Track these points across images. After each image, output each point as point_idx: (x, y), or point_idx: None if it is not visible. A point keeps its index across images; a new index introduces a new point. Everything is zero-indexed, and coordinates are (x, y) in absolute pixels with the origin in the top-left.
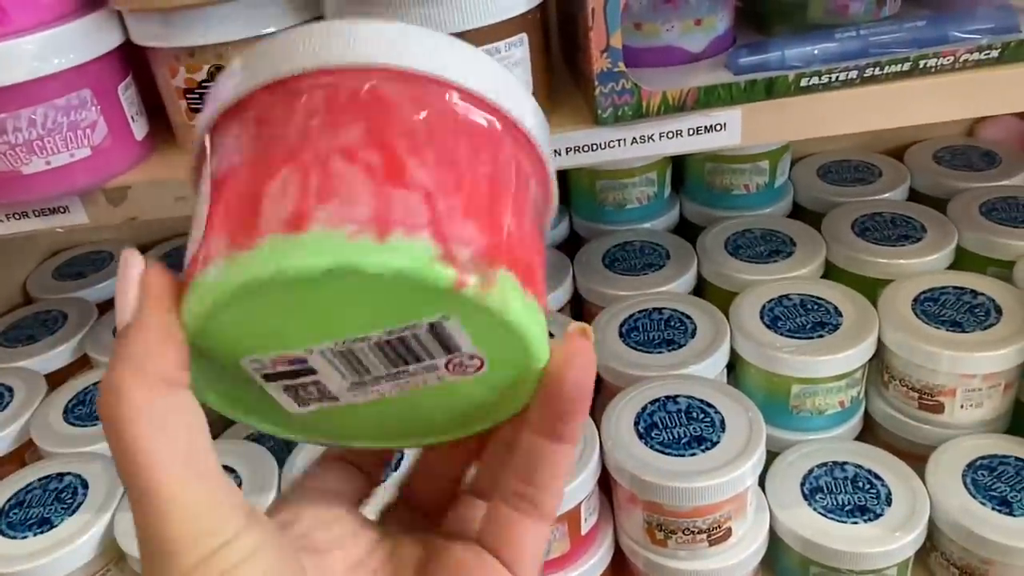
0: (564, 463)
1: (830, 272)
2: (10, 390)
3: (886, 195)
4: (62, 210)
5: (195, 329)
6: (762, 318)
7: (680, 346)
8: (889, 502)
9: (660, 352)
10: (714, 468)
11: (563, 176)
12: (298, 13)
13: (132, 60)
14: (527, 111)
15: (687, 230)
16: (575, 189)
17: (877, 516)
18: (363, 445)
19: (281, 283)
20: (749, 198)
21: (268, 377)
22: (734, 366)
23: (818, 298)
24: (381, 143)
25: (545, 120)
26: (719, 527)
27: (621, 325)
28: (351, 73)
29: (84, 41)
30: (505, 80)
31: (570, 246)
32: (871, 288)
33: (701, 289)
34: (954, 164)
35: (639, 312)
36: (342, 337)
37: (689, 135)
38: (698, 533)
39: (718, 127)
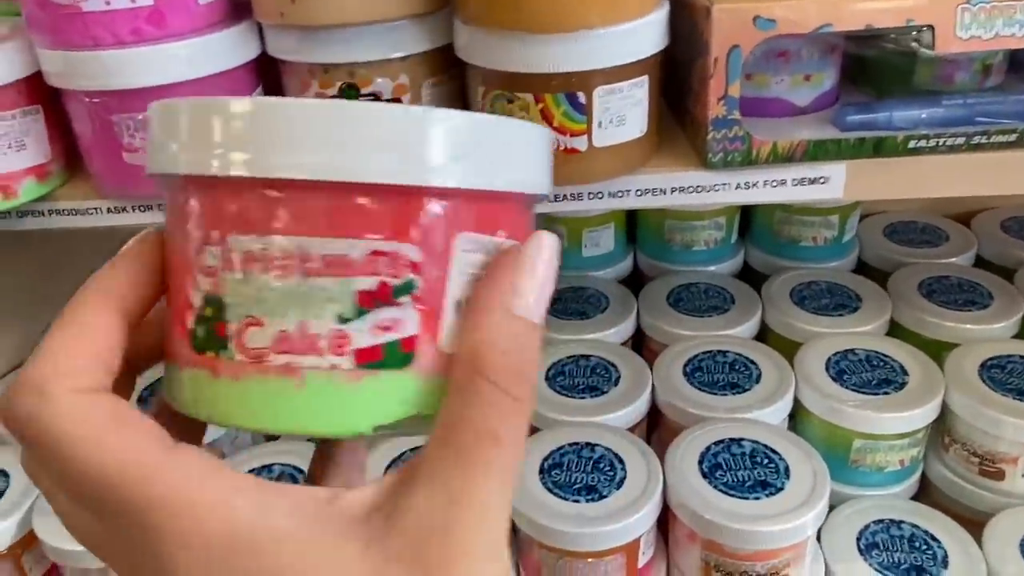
0: None
1: (894, 331)
2: None
3: (952, 259)
4: None
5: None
6: (827, 370)
7: (744, 390)
8: (945, 564)
9: (724, 394)
10: (778, 514)
11: (631, 213)
12: (430, 39)
13: (263, 71)
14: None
15: (749, 276)
16: (643, 226)
17: None
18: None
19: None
20: (816, 250)
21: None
22: (794, 415)
23: (884, 355)
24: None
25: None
26: (776, 573)
27: (686, 364)
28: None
29: (229, 50)
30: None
31: (632, 281)
32: (934, 350)
33: (763, 336)
34: (1022, 234)
35: (704, 353)
36: None
37: (793, 185)
38: None
39: (821, 180)
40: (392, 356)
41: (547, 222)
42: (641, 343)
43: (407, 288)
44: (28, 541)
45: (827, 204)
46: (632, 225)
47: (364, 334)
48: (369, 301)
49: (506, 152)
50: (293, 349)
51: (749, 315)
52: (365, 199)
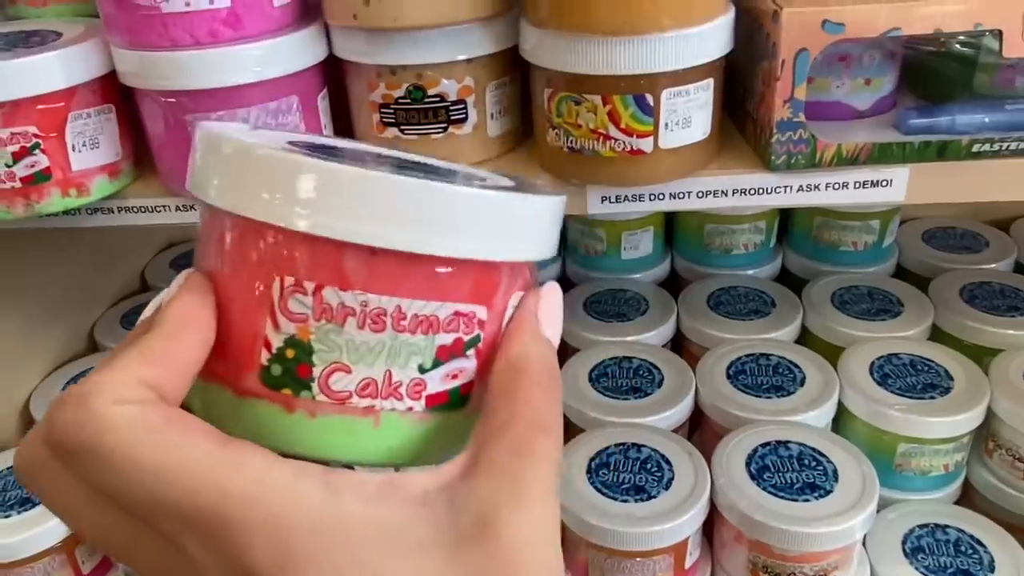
0: None
1: (936, 336)
2: None
3: (992, 265)
4: None
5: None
6: (872, 374)
7: (789, 393)
8: (992, 569)
9: (769, 397)
10: (828, 516)
11: (670, 217)
12: (495, 41)
13: (328, 72)
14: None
15: (787, 280)
16: (681, 230)
17: None
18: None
19: None
20: (855, 255)
21: None
22: (838, 419)
23: (928, 360)
24: None
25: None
26: (825, 575)
27: (728, 367)
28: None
29: (300, 52)
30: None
31: (670, 285)
32: (976, 355)
33: (804, 340)
34: None
35: (747, 356)
36: None
37: (855, 188)
38: None
39: (884, 183)
40: (454, 399)
41: (589, 225)
42: (680, 346)
43: (475, 342)
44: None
45: (869, 209)
46: (670, 229)
47: (437, 381)
48: (446, 354)
49: (551, 226)
50: (377, 394)
51: (790, 319)
52: (453, 269)
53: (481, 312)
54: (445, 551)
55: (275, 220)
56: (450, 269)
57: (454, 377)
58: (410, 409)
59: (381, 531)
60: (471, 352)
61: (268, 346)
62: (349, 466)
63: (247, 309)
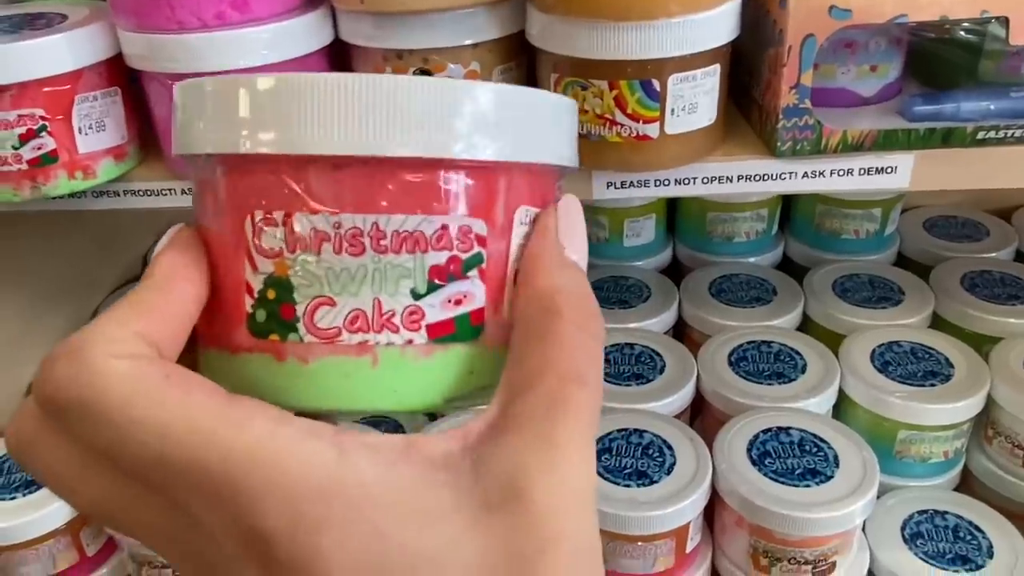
0: None
1: (936, 324)
2: None
3: (993, 254)
4: None
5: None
6: (873, 361)
7: (790, 380)
8: (991, 555)
9: (770, 384)
10: (829, 501)
11: (672, 204)
12: (501, 26)
13: (334, 56)
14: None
15: (788, 268)
16: (683, 217)
17: (979, 567)
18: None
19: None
20: (857, 243)
21: None
22: (839, 405)
23: (929, 348)
24: None
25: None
26: (825, 560)
27: (730, 354)
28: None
29: (308, 35)
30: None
31: (671, 272)
32: (976, 344)
33: (805, 327)
34: None
35: (748, 343)
36: None
37: (860, 174)
38: (804, 563)
39: (889, 170)
40: (463, 329)
41: (592, 212)
42: (682, 333)
43: (476, 261)
44: (85, 517)
45: (871, 197)
46: (672, 216)
47: (436, 309)
48: (442, 275)
49: (556, 125)
50: (368, 327)
51: (791, 307)
52: (430, 174)
53: (478, 226)
54: (467, 519)
55: (225, 148)
56: (426, 174)
57: (457, 303)
58: (410, 342)
59: (396, 496)
60: (473, 273)
61: (250, 291)
62: (359, 420)
63: (227, 256)
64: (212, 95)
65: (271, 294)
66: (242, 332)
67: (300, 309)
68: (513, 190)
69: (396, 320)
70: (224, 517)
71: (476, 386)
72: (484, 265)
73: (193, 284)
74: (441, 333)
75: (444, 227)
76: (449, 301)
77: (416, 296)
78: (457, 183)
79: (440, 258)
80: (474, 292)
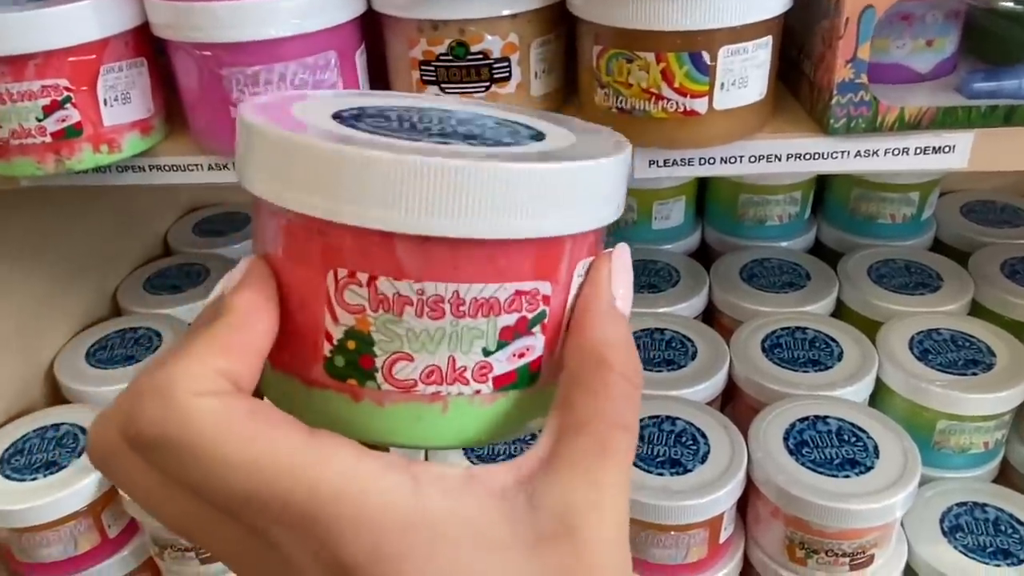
0: None
1: (975, 311)
2: (159, 335)
3: None
4: None
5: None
6: (911, 349)
7: (826, 367)
8: None
9: (806, 371)
10: (869, 493)
11: (701, 186)
12: None
13: (366, 27)
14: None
15: (820, 253)
16: (713, 200)
17: (1021, 561)
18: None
19: None
20: (892, 228)
21: None
22: (876, 394)
23: (969, 335)
24: None
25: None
26: (863, 553)
27: (764, 340)
28: None
29: (339, 5)
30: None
31: (700, 256)
32: (1017, 332)
33: (839, 313)
34: None
35: (782, 329)
36: None
37: (915, 154)
38: (841, 556)
39: (946, 149)
40: (523, 377)
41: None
42: (712, 318)
43: (540, 318)
44: (108, 498)
45: (907, 180)
46: (701, 199)
47: (503, 363)
48: (510, 334)
49: (616, 186)
50: (442, 380)
51: (825, 292)
52: (511, 249)
53: (544, 288)
54: (523, 550)
55: (319, 214)
56: (507, 250)
57: (521, 356)
58: (478, 392)
59: (464, 527)
60: (536, 329)
61: (329, 338)
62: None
63: (306, 300)
64: (299, 151)
65: (351, 344)
66: (318, 370)
67: (379, 362)
68: (576, 250)
69: (467, 375)
70: (309, 548)
71: (526, 421)
72: (546, 320)
73: (268, 321)
74: (505, 383)
75: (517, 292)
76: (514, 355)
77: (486, 353)
78: (531, 255)
79: (511, 320)
80: (535, 345)
